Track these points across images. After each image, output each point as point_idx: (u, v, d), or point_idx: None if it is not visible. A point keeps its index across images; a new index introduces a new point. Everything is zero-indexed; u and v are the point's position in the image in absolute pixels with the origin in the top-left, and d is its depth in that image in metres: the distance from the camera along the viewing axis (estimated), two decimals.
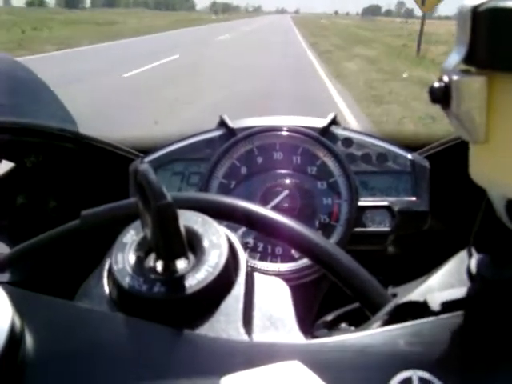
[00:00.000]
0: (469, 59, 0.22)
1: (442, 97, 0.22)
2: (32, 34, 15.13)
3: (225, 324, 0.27)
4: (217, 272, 0.28)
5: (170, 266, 0.28)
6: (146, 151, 0.68)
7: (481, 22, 0.21)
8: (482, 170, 0.23)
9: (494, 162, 0.22)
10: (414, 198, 0.65)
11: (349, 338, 0.26)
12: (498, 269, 0.27)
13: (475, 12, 0.21)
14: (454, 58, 0.22)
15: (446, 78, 0.22)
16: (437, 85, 0.22)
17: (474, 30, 0.21)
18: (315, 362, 0.24)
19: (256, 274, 0.32)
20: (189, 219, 0.31)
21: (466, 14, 0.21)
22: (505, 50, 0.20)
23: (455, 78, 0.22)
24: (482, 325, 0.26)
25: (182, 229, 0.27)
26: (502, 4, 0.20)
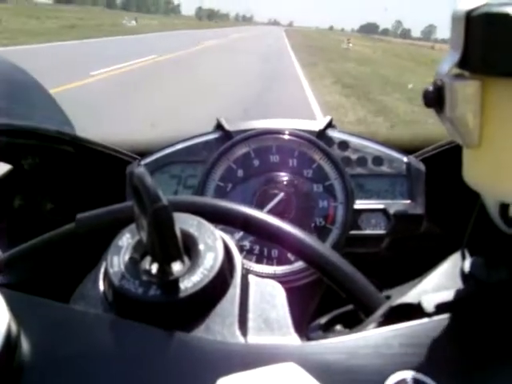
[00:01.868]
0: (463, 64, 0.22)
1: (435, 101, 0.23)
2: None
3: (220, 326, 0.27)
4: (212, 275, 0.28)
5: (165, 269, 0.28)
6: (142, 154, 0.68)
7: (475, 27, 0.21)
8: (476, 173, 0.24)
9: (487, 166, 0.23)
10: (409, 201, 0.65)
11: (343, 339, 0.26)
12: (491, 271, 0.27)
13: (469, 17, 0.21)
14: (448, 63, 0.23)
15: (439, 82, 0.23)
16: (431, 89, 0.23)
17: (467, 35, 0.22)
18: (310, 363, 0.24)
19: (251, 277, 0.32)
20: (184, 222, 0.31)
21: (460, 18, 0.22)
22: (498, 54, 0.21)
23: (449, 82, 0.22)
24: (475, 326, 0.26)
25: (178, 232, 0.27)
26: (495, 9, 0.21)
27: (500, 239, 0.25)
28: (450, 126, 0.23)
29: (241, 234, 0.61)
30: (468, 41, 0.22)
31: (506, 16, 0.20)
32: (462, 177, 0.24)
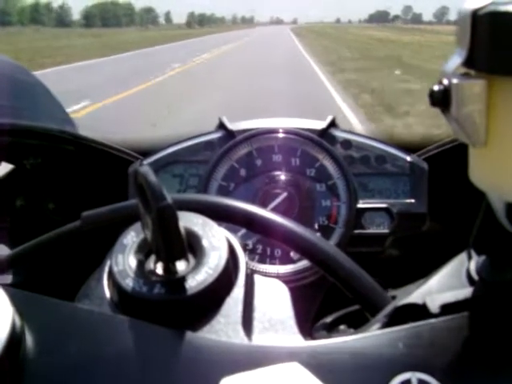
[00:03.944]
0: (469, 62, 0.22)
1: (441, 100, 0.23)
2: None
3: (224, 326, 0.27)
4: (216, 274, 0.28)
5: (170, 268, 0.28)
6: (144, 153, 0.68)
7: (481, 26, 0.21)
8: (482, 173, 0.23)
9: (494, 166, 0.22)
10: (412, 200, 0.65)
11: (348, 339, 0.26)
12: (498, 271, 0.27)
13: (475, 15, 0.21)
14: (454, 61, 0.22)
15: (445, 81, 0.22)
16: (436, 88, 0.23)
17: (474, 34, 0.21)
18: (314, 363, 0.24)
19: (256, 276, 0.32)
20: (189, 221, 0.31)
21: (466, 17, 0.22)
22: (505, 53, 0.21)
23: (455, 81, 0.22)
24: (481, 327, 0.26)
25: (182, 230, 0.27)
26: (502, 8, 0.20)
27: (506, 239, 0.25)
28: (456, 126, 0.23)
29: (243, 232, 0.61)
30: (474, 40, 0.21)
31: None
32: (467, 176, 0.24)
